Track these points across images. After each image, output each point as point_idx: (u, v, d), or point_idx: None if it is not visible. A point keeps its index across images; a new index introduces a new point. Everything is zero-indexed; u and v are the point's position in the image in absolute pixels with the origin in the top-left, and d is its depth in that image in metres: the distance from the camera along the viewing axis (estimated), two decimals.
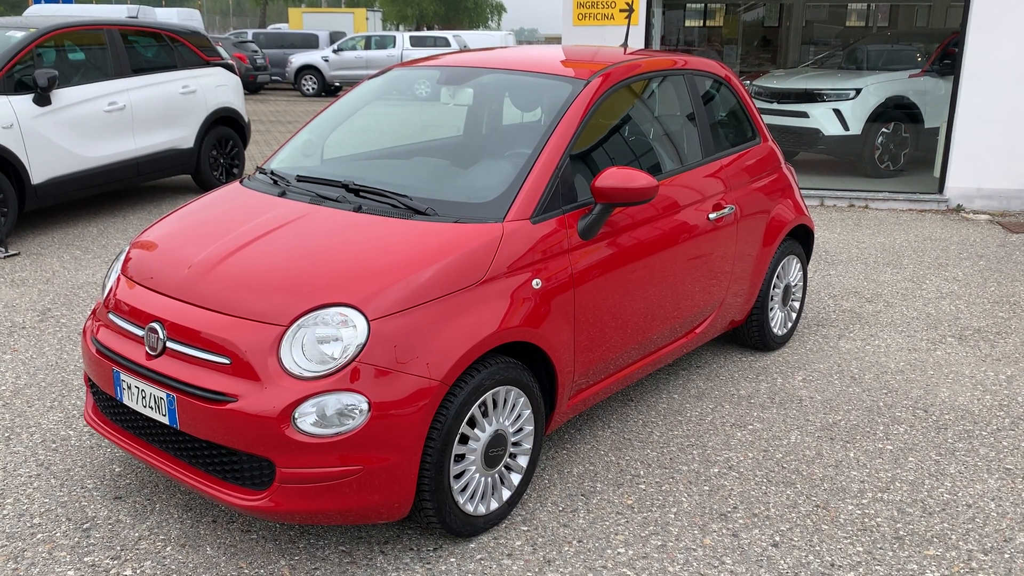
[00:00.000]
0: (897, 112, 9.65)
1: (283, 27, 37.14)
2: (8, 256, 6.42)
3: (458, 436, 2.81)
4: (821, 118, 9.64)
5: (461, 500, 2.90)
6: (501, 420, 2.99)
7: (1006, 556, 2.97)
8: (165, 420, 2.79)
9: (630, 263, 3.49)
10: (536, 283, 3.06)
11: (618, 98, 3.79)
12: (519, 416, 3.06)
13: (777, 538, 3.05)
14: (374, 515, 2.74)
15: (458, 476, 2.88)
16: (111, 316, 3.10)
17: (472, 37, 28.29)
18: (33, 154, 6.80)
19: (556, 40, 22.46)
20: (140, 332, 2.93)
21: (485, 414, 2.93)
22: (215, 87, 8.85)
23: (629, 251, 3.49)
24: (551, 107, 3.50)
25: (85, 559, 2.87)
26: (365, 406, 2.59)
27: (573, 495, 3.30)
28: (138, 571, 2.81)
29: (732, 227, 4.18)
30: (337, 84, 24.46)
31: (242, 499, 2.69)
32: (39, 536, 3.00)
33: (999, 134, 8.34)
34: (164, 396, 2.77)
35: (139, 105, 7.86)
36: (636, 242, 3.54)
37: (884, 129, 9.63)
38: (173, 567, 2.84)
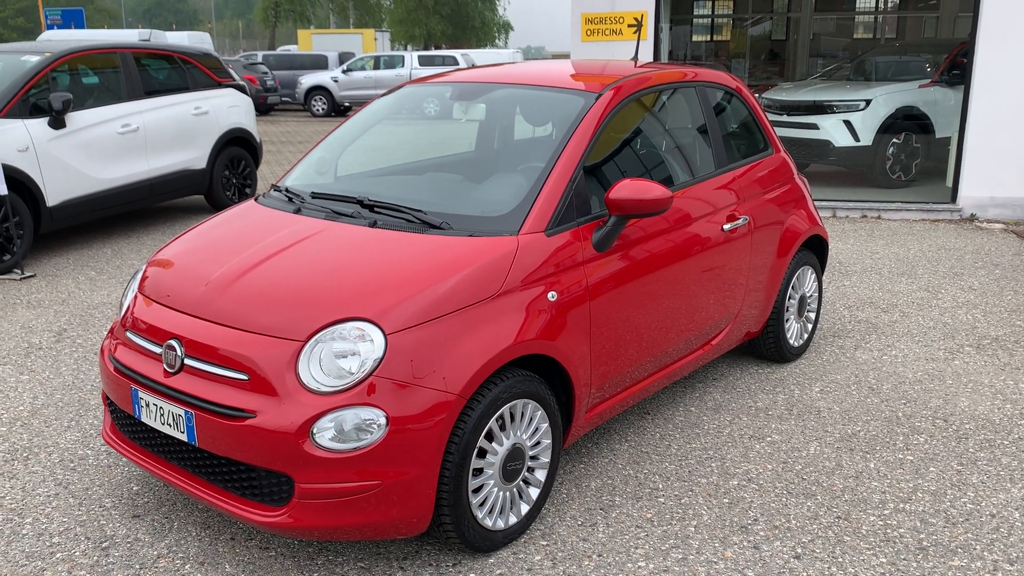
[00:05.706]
0: (907, 123, 9.63)
1: (292, 49, 37.42)
2: (24, 278, 6.47)
3: (476, 450, 2.80)
4: (831, 130, 9.64)
5: (480, 515, 2.88)
6: (519, 434, 2.98)
7: None
8: (183, 437, 2.80)
9: (645, 275, 3.48)
10: (551, 295, 3.06)
11: (630, 111, 3.80)
12: (536, 429, 3.05)
13: (799, 550, 3.02)
14: (393, 530, 2.73)
15: (476, 490, 2.87)
16: (129, 334, 3.11)
17: (480, 55, 28.42)
18: (48, 177, 6.86)
19: (564, 57, 22.51)
20: (158, 349, 2.94)
21: (503, 428, 2.92)
22: (227, 108, 8.92)
23: (643, 263, 3.48)
24: (563, 120, 3.51)
25: None
26: (383, 420, 2.59)
27: (592, 509, 3.28)
28: None
29: (746, 238, 4.17)
30: (347, 104, 24.63)
31: (261, 515, 2.68)
32: (58, 555, 3.00)
33: (1011, 143, 8.31)
34: (182, 413, 2.77)
35: (152, 127, 7.92)
36: (650, 254, 3.53)
37: (895, 140, 9.61)
38: None
